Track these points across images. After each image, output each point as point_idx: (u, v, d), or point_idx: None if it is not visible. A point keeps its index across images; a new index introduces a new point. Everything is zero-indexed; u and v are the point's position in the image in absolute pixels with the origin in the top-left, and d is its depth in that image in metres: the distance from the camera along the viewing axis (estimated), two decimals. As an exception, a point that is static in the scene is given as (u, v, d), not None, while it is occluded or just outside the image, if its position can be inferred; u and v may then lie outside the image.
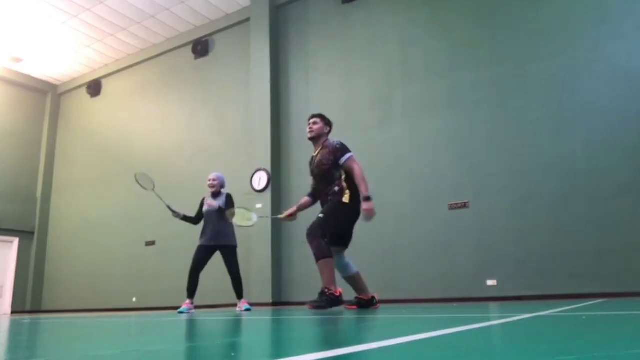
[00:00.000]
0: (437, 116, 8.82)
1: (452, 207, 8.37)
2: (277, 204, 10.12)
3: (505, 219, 7.92)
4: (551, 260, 7.46)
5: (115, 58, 14.01)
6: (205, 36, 12.33)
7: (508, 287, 7.68)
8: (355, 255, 9.07)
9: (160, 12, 11.82)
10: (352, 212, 5.33)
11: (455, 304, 6.31)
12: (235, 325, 2.54)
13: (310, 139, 5.58)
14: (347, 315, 3.67)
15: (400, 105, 9.22)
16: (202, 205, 7.24)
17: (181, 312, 6.49)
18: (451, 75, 8.81)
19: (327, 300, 4.94)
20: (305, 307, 5.06)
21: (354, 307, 5.60)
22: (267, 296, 9.54)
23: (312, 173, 5.56)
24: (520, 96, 8.15)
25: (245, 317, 3.80)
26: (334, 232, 5.28)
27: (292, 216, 5.78)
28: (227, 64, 11.84)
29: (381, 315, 3.50)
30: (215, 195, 7.26)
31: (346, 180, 5.26)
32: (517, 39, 8.37)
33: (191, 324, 2.97)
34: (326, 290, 4.99)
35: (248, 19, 11.46)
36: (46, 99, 15.48)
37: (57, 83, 15.49)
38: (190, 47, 12.51)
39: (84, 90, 14.80)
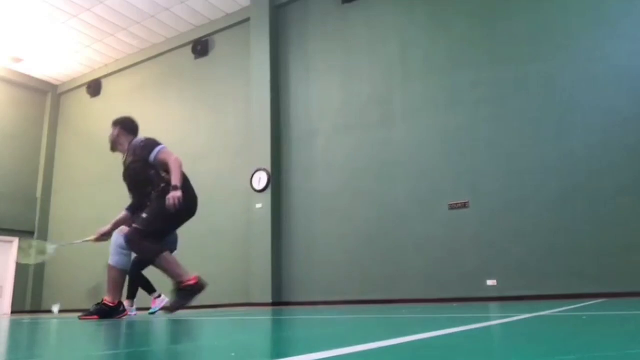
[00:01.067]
0: (437, 116, 8.82)
1: (452, 207, 8.37)
2: (277, 204, 10.12)
3: (505, 218, 7.91)
4: (551, 260, 7.46)
5: (115, 58, 14.00)
6: (206, 36, 12.33)
7: (508, 287, 7.68)
8: (354, 255, 9.13)
9: (161, 12, 11.82)
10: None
11: (455, 304, 6.31)
12: (234, 326, 2.54)
13: (112, 150, 5.46)
14: (344, 315, 3.66)
15: (400, 105, 9.22)
16: None
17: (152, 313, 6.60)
18: (451, 75, 8.81)
19: (190, 293, 4.57)
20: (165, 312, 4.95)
21: (94, 317, 4.90)
22: (267, 296, 9.54)
23: (126, 184, 5.20)
24: (520, 96, 8.15)
25: (245, 317, 3.80)
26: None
27: (105, 236, 5.39)
28: (227, 64, 11.84)
29: (381, 316, 3.50)
30: None
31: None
32: (517, 39, 8.37)
33: (189, 324, 2.97)
34: (182, 284, 4.58)
35: (248, 19, 11.46)
36: (46, 99, 15.48)
37: (57, 83, 15.48)
38: (190, 47, 12.51)
39: (84, 90, 14.79)
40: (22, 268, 14.11)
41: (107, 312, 4.76)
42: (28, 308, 13.96)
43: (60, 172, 14.98)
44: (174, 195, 4.60)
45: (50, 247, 5.92)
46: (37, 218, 14.55)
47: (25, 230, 14.28)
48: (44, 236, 14.57)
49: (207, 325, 2.75)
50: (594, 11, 7.85)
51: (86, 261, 13.42)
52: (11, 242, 14.09)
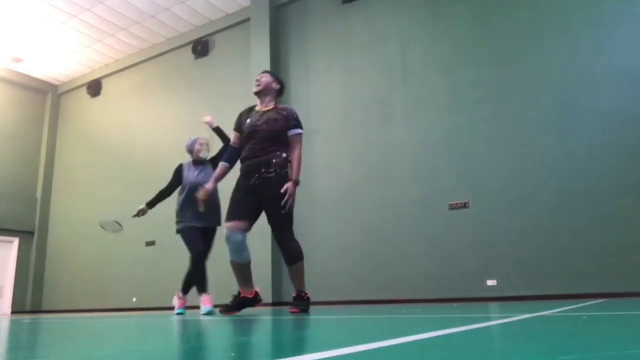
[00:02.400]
0: (437, 116, 8.82)
1: (452, 207, 8.37)
2: (277, 204, 10.10)
3: (505, 218, 7.91)
4: (551, 260, 7.46)
5: (115, 58, 14.00)
6: (206, 36, 12.33)
7: (508, 287, 7.68)
8: (354, 254, 9.12)
9: (161, 12, 11.82)
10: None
11: (455, 304, 6.30)
12: (236, 326, 2.54)
13: (257, 92, 4.84)
14: (344, 315, 3.66)
15: (401, 105, 9.22)
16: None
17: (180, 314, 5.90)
18: (451, 75, 8.80)
19: (308, 302, 4.67)
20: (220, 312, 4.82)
21: (229, 312, 4.89)
22: (267, 296, 9.53)
23: (253, 129, 4.65)
24: (521, 96, 8.15)
25: (245, 317, 3.80)
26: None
27: (208, 193, 5.00)
28: (227, 64, 11.84)
29: (381, 315, 3.50)
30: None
31: (292, 151, 4.73)
32: (517, 39, 8.36)
33: (190, 324, 2.97)
34: (304, 294, 4.71)
35: (248, 19, 11.46)
36: (46, 98, 15.48)
37: (57, 83, 15.48)
38: (190, 47, 12.51)
39: (84, 90, 14.80)
40: (22, 268, 14.11)
41: (248, 303, 4.80)
42: (28, 308, 13.96)
43: (60, 172, 14.98)
44: (293, 192, 4.48)
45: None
46: (37, 218, 14.55)
47: (25, 230, 14.28)
48: (44, 236, 14.58)
49: (206, 325, 2.75)
50: (594, 11, 7.85)
51: (86, 261, 13.43)
52: (11, 242, 14.09)
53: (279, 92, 4.93)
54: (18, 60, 13.80)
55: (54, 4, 11.35)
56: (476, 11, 8.82)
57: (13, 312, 13.67)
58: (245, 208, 4.57)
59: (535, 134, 7.92)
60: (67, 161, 14.88)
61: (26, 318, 6.99)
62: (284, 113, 4.71)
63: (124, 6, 11.53)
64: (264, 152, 4.54)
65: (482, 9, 8.77)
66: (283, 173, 4.53)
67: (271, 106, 4.78)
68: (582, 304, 4.45)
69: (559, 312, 3.11)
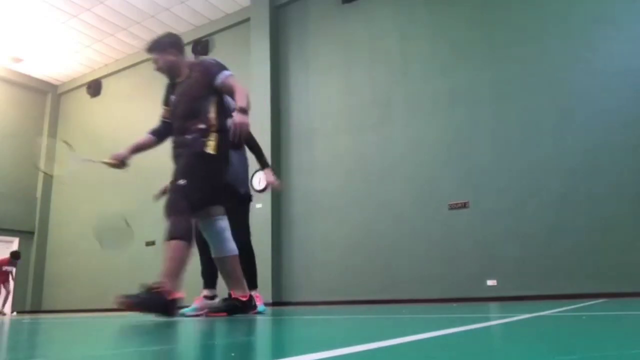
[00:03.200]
0: (437, 116, 8.82)
1: (452, 207, 8.37)
2: (277, 205, 10.12)
3: (505, 219, 7.91)
4: (551, 260, 7.46)
5: (115, 58, 14.01)
6: (205, 36, 12.33)
7: (508, 287, 7.68)
8: (355, 255, 9.12)
9: (161, 12, 11.82)
10: (217, 167, 3.81)
11: (455, 304, 6.29)
12: (238, 326, 2.54)
13: (172, 78, 4.06)
14: (344, 315, 3.65)
15: (401, 105, 9.22)
16: None
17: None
18: (451, 75, 8.80)
19: (154, 299, 3.42)
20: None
21: (221, 313, 3.96)
22: (267, 296, 9.52)
23: (174, 107, 3.97)
24: (521, 96, 8.15)
25: (245, 317, 3.79)
26: (201, 196, 3.66)
27: (122, 163, 4.38)
28: (227, 63, 11.60)
29: (381, 316, 3.49)
30: None
31: (218, 120, 3.84)
32: (517, 40, 8.36)
33: (193, 324, 2.96)
34: (157, 286, 3.46)
35: (248, 19, 11.46)
36: (46, 98, 15.49)
37: (57, 83, 15.49)
38: (190, 47, 12.49)
39: (84, 90, 14.80)
40: (22, 268, 14.10)
41: (240, 308, 3.91)
42: (28, 308, 13.96)
43: (60, 172, 14.95)
44: (242, 121, 3.62)
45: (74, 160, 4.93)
46: (37, 218, 14.55)
47: (25, 230, 14.29)
48: (44, 236, 14.58)
49: (206, 325, 2.74)
50: (595, 11, 7.85)
51: (86, 261, 13.43)
52: (11, 242, 14.09)
53: (179, 51, 4.06)
54: (18, 60, 13.81)
55: (54, 4, 11.35)
56: (476, 11, 8.82)
57: (13, 312, 13.66)
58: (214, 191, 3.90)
59: (535, 134, 7.92)
60: (67, 161, 14.85)
61: (26, 318, 6.98)
62: (199, 69, 3.97)
63: (124, 6, 11.53)
64: (180, 132, 3.87)
65: (482, 9, 8.76)
66: (197, 145, 3.73)
67: (187, 73, 3.97)
68: (581, 304, 4.43)
69: (559, 312, 3.09)
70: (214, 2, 11.49)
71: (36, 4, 11.31)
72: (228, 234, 3.88)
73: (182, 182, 3.61)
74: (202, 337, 2.04)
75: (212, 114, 3.83)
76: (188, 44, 12.57)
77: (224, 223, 3.88)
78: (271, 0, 11.07)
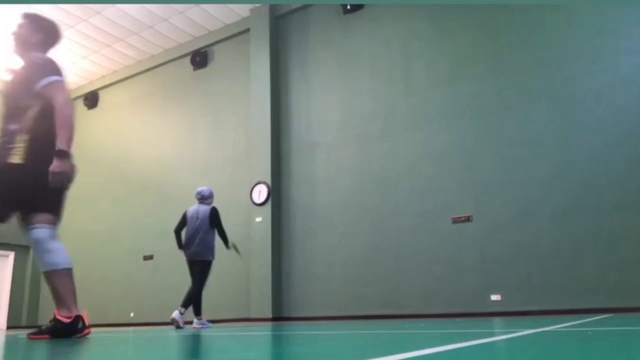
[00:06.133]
0: (440, 128, 8.73)
1: (456, 221, 8.28)
2: (277, 218, 10.01)
3: (509, 232, 7.82)
4: (556, 275, 7.37)
5: (112, 69, 13.93)
6: (204, 47, 12.26)
7: (512, 302, 7.59)
8: (356, 269, 9.01)
9: (159, 22, 11.75)
10: (21, 179, 3.37)
11: (457, 319, 6.21)
12: (235, 341, 2.43)
13: (15, 44, 3.72)
14: (348, 331, 3.54)
15: (402, 117, 9.13)
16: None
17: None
18: (454, 86, 8.73)
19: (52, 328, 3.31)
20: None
21: (44, 335, 3.45)
22: (267, 311, 9.41)
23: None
24: (524, 108, 8.08)
25: (246, 332, 3.69)
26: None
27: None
28: (227, 75, 11.76)
29: (383, 331, 3.42)
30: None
31: (35, 123, 3.43)
32: (520, 51, 8.30)
33: (189, 339, 2.86)
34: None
35: (248, 30, 11.40)
36: (43, 110, 15.36)
37: (54, 94, 15.37)
38: (189, 58, 12.44)
39: (80, 101, 14.70)
40: (18, 283, 13.97)
41: (60, 331, 3.43)
42: (24, 323, 13.79)
43: (57, 184, 14.83)
44: (59, 169, 3.40)
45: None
46: (33, 231, 14.38)
47: (21, 244, 14.13)
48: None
49: (206, 340, 2.64)
50: (599, 22, 7.79)
51: (83, 275, 13.28)
52: (7, 256, 13.95)
53: (46, 39, 3.80)
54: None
55: (50, 15, 11.25)
56: (478, 23, 8.76)
57: (9, 328, 13.50)
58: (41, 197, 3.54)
59: (540, 147, 7.84)
60: (64, 173, 14.74)
61: (22, 333, 6.84)
62: (25, 65, 3.57)
63: (122, 17, 11.45)
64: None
65: (485, 20, 8.71)
66: (3, 153, 3.35)
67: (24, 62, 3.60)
68: (587, 319, 4.44)
69: (564, 327, 3.10)
70: (213, 12, 11.42)
71: (33, 16, 11.20)
72: (51, 244, 3.46)
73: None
74: (200, 354, 1.92)
75: (30, 114, 3.43)
76: (187, 55, 12.53)
77: (41, 232, 3.46)
78: (271, 10, 11.02)
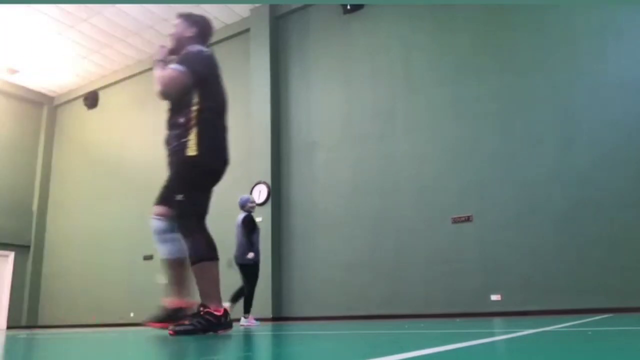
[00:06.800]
0: (440, 128, 8.73)
1: (456, 221, 8.27)
2: (277, 218, 10.01)
3: (509, 232, 7.82)
4: (556, 275, 7.38)
5: (112, 69, 13.92)
6: (204, 47, 12.22)
7: (512, 302, 7.59)
8: (356, 269, 9.00)
9: (158, 22, 11.74)
10: (201, 172, 3.55)
11: (458, 319, 6.21)
12: (236, 342, 2.43)
13: (173, 52, 3.94)
14: (348, 331, 3.55)
15: (403, 117, 9.13)
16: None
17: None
18: (455, 86, 8.73)
19: (204, 323, 3.29)
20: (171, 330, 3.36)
21: (162, 324, 3.58)
22: (267, 311, 9.40)
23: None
24: (525, 108, 8.08)
25: (246, 332, 3.69)
26: (202, 202, 3.58)
27: None
28: (227, 74, 11.54)
29: (383, 331, 3.42)
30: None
31: (198, 114, 3.58)
32: (522, 51, 8.30)
33: (187, 339, 2.86)
34: (202, 309, 3.33)
35: (248, 30, 11.39)
36: (42, 110, 15.37)
37: (54, 95, 15.39)
38: (188, 58, 12.40)
39: (80, 102, 14.70)
40: (18, 283, 13.97)
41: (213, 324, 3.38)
42: (24, 323, 13.80)
43: (57, 185, 14.85)
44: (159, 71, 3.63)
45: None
46: (33, 232, 14.40)
47: (21, 244, 14.14)
48: (40, 250, 14.43)
49: (207, 341, 2.63)
50: (600, 23, 7.79)
51: (83, 275, 13.29)
52: (7, 256, 13.94)
53: (200, 35, 4.00)
54: (13, 71, 13.71)
55: (51, 15, 11.26)
56: (480, 22, 8.75)
57: (9, 328, 13.50)
58: (162, 190, 3.72)
59: (540, 146, 7.84)
60: (64, 174, 14.76)
61: (22, 333, 6.85)
62: (181, 57, 3.74)
63: (122, 17, 11.45)
64: (168, 126, 3.73)
65: (486, 20, 8.70)
66: (179, 147, 3.53)
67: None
68: (587, 319, 4.45)
69: (564, 327, 3.09)
70: (213, 12, 11.41)
71: (32, 15, 11.21)
72: (167, 235, 3.60)
73: (179, 197, 3.46)
74: (203, 354, 1.92)
75: (194, 106, 3.60)
76: (186, 55, 12.48)
77: (160, 224, 3.62)
78: (271, 10, 11.02)
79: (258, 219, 10.01)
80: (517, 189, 7.90)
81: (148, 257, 11.97)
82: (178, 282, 3.62)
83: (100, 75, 14.19)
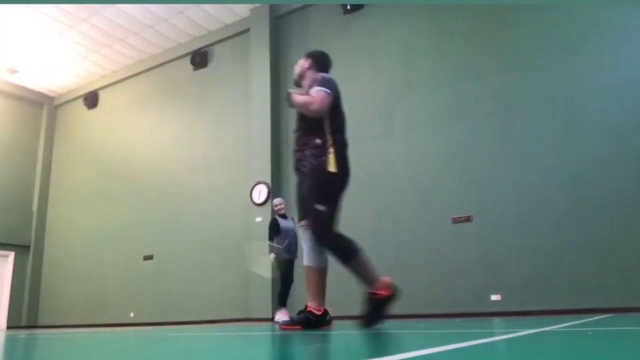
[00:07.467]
0: (440, 128, 8.73)
1: (456, 221, 8.27)
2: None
3: (509, 232, 7.82)
4: (556, 275, 7.37)
5: (112, 69, 13.92)
6: (204, 47, 12.25)
7: (512, 301, 7.58)
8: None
9: (159, 22, 11.74)
10: (340, 186, 4.11)
11: (458, 319, 6.21)
12: (236, 342, 2.43)
13: (296, 84, 4.44)
14: (348, 331, 3.55)
15: (402, 118, 9.13)
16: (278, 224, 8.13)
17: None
18: (454, 87, 8.72)
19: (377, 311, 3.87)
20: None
21: (296, 326, 4.14)
22: (267, 311, 9.40)
23: (297, 118, 4.28)
24: (525, 108, 8.07)
25: (247, 332, 3.69)
26: (337, 214, 4.01)
27: None
28: (227, 75, 11.76)
29: (383, 331, 3.42)
30: (285, 216, 8.37)
31: (332, 136, 4.04)
32: (521, 50, 8.30)
33: (185, 339, 2.86)
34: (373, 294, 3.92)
35: (248, 30, 11.39)
36: (42, 110, 15.36)
37: (54, 95, 15.38)
38: (189, 58, 12.43)
39: (80, 102, 14.69)
40: (17, 283, 13.96)
41: (313, 322, 4.04)
42: (24, 323, 13.79)
43: (57, 184, 14.85)
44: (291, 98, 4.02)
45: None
46: (33, 231, 14.39)
47: (21, 244, 14.13)
48: (40, 250, 14.42)
49: (207, 342, 2.63)
50: (600, 22, 7.79)
51: (83, 275, 13.28)
52: (7, 256, 13.93)
53: (315, 64, 4.45)
54: (13, 71, 13.70)
55: (51, 15, 11.26)
56: (480, 23, 8.75)
57: (9, 327, 13.49)
58: (299, 204, 4.19)
59: (539, 146, 7.84)
60: (64, 174, 14.75)
61: (22, 333, 6.85)
62: (312, 84, 4.09)
63: (122, 17, 11.45)
64: (298, 145, 4.10)
65: (486, 21, 8.70)
66: (318, 163, 3.95)
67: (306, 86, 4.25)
68: (587, 319, 4.44)
69: (564, 327, 3.10)
70: (213, 12, 11.41)
71: (32, 15, 11.21)
72: (309, 245, 4.06)
73: (322, 208, 3.86)
74: (203, 355, 1.91)
75: (327, 128, 4.01)
76: (187, 55, 12.52)
77: (306, 234, 4.03)
78: (271, 10, 11.01)
79: (258, 219, 10.03)
80: (517, 189, 7.90)
81: (148, 257, 11.97)
82: (322, 289, 4.23)
83: (100, 75, 14.19)
